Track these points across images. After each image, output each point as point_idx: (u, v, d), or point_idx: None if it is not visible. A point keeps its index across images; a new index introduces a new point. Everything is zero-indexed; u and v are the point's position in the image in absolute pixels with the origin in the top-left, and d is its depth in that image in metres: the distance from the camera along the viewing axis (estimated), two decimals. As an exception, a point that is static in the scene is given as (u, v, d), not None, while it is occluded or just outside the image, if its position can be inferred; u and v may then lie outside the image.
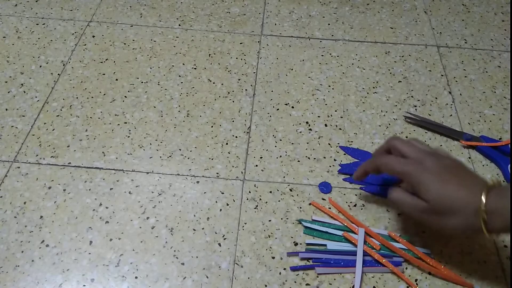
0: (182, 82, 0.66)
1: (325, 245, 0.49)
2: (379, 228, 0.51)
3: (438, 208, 0.42)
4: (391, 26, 0.78)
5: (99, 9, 0.78)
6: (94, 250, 0.49)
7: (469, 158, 0.58)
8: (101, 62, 0.69)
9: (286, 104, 0.64)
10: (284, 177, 0.56)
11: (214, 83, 0.67)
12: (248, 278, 0.47)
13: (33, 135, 0.59)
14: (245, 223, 0.51)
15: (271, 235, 0.50)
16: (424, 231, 0.51)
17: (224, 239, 0.50)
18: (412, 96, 0.66)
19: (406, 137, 0.60)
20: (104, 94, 0.64)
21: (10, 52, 0.70)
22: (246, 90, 0.66)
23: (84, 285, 0.46)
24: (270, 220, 0.51)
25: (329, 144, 0.59)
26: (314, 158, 0.58)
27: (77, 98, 0.64)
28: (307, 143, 0.59)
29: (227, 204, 0.53)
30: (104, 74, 0.67)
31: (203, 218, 0.52)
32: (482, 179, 0.43)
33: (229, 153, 0.58)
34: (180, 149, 0.58)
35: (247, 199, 0.53)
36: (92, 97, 0.64)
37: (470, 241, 0.50)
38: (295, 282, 0.47)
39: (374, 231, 0.50)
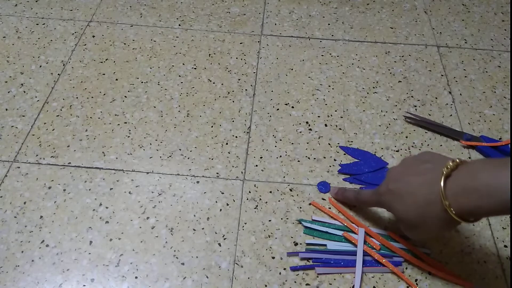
0: (182, 82, 0.66)
1: (325, 245, 0.49)
2: (379, 228, 0.51)
3: (410, 223, 0.43)
4: (391, 26, 0.78)
5: (99, 9, 0.78)
6: (94, 250, 0.49)
7: (469, 158, 0.58)
8: (101, 62, 0.69)
9: (286, 104, 0.64)
10: (284, 177, 0.56)
11: (214, 83, 0.67)
12: (248, 278, 0.47)
13: (33, 135, 0.59)
14: (245, 223, 0.51)
15: (271, 235, 0.50)
16: (424, 231, 0.51)
17: (224, 239, 0.50)
18: (412, 96, 0.66)
19: (406, 137, 0.60)
20: (104, 94, 0.64)
21: (10, 52, 0.70)
22: (246, 90, 0.66)
23: (84, 285, 0.46)
24: (270, 220, 0.51)
25: (329, 144, 0.59)
26: (314, 158, 0.58)
27: (77, 98, 0.64)
28: (307, 143, 0.59)
29: (227, 204, 0.53)
30: (104, 74, 0.67)
31: (203, 218, 0.52)
32: (438, 168, 0.40)
33: (229, 153, 0.58)
34: (180, 149, 0.58)
35: (247, 199, 0.53)
36: (92, 97, 0.64)
37: (470, 241, 0.50)
38: (295, 282, 0.47)
39: (374, 231, 0.50)
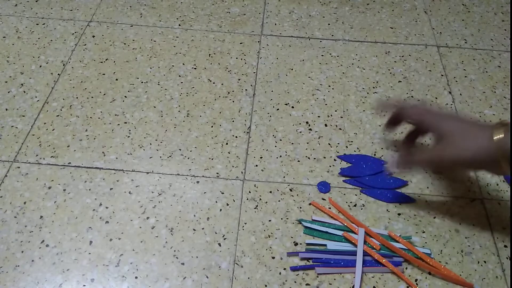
0: (182, 82, 0.67)
1: (325, 245, 0.49)
2: (379, 228, 0.51)
3: (454, 135, 0.44)
4: (391, 26, 0.78)
5: (99, 9, 0.78)
6: (94, 250, 0.49)
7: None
8: (101, 62, 0.69)
9: (286, 104, 0.64)
10: (284, 177, 0.56)
11: (214, 83, 0.67)
12: (248, 278, 0.47)
13: (33, 135, 0.59)
14: (245, 223, 0.51)
15: (271, 235, 0.50)
16: (424, 231, 0.51)
17: (224, 239, 0.50)
18: (412, 96, 0.66)
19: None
20: (104, 94, 0.64)
21: (10, 52, 0.70)
22: (246, 90, 0.66)
23: (84, 285, 0.46)
24: (270, 220, 0.51)
25: (329, 144, 0.59)
26: (314, 158, 0.58)
27: (77, 98, 0.64)
28: (307, 143, 0.59)
29: (227, 204, 0.53)
30: (104, 74, 0.67)
31: (203, 218, 0.52)
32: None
33: (229, 153, 0.58)
34: (180, 149, 0.58)
35: (247, 199, 0.53)
36: (92, 97, 0.64)
37: (470, 241, 0.50)
38: (295, 282, 0.47)
39: (374, 231, 0.50)
